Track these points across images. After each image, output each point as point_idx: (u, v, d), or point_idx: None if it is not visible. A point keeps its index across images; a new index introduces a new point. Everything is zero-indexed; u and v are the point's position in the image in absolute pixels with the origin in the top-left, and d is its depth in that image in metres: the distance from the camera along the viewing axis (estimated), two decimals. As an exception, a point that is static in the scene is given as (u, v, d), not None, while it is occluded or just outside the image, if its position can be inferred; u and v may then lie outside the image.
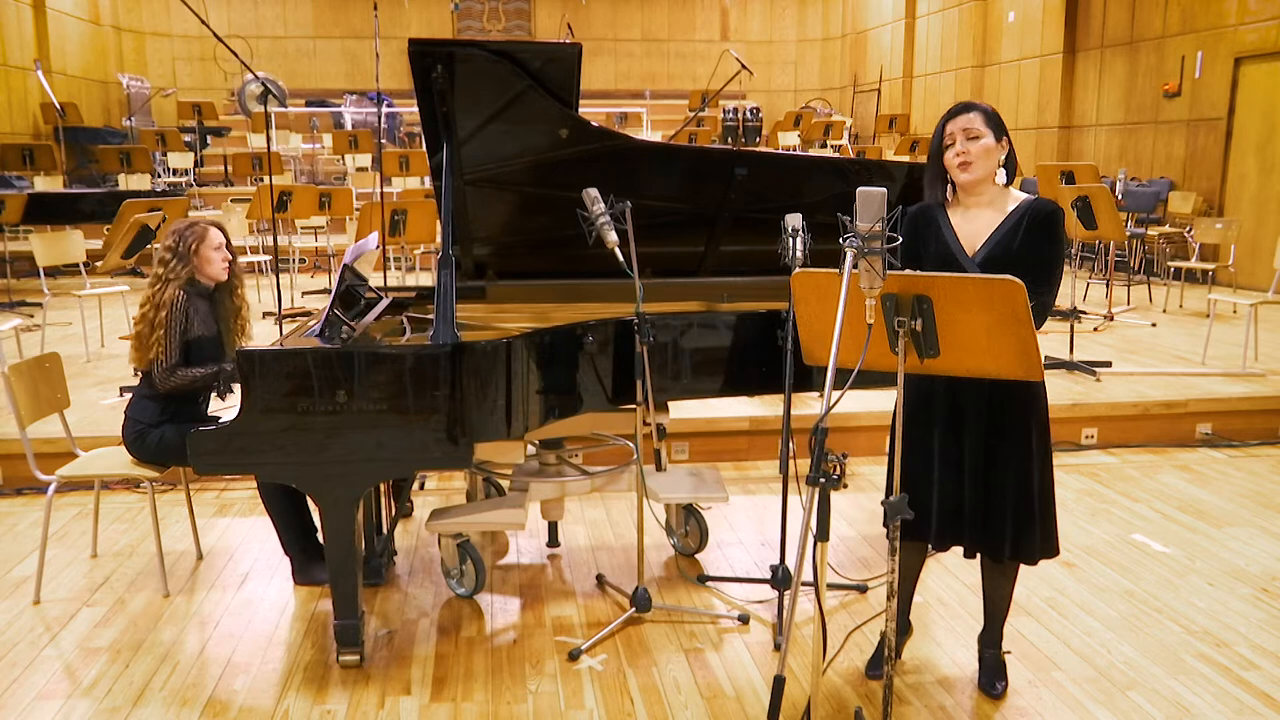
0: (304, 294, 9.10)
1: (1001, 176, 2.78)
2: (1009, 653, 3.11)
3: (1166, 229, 10.05)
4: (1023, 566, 2.94)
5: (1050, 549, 2.85)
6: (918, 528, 2.82)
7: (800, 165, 4.76)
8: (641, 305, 3.19)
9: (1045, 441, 2.82)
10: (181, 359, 3.53)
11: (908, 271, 2.36)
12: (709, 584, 3.75)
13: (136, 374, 3.69)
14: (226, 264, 3.69)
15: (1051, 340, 6.76)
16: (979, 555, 2.88)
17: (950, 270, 2.67)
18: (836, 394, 2.17)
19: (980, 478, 2.77)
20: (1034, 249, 2.71)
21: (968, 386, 2.71)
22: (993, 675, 3.01)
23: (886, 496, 2.86)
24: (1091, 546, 4.08)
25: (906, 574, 3.02)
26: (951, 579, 3.74)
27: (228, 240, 3.72)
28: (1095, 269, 10.37)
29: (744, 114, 15.67)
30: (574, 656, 3.20)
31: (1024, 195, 2.81)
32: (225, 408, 3.59)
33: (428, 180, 9.97)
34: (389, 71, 14.50)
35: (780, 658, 2.44)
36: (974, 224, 2.78)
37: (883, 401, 3.84)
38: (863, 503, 4.56)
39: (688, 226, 4.07)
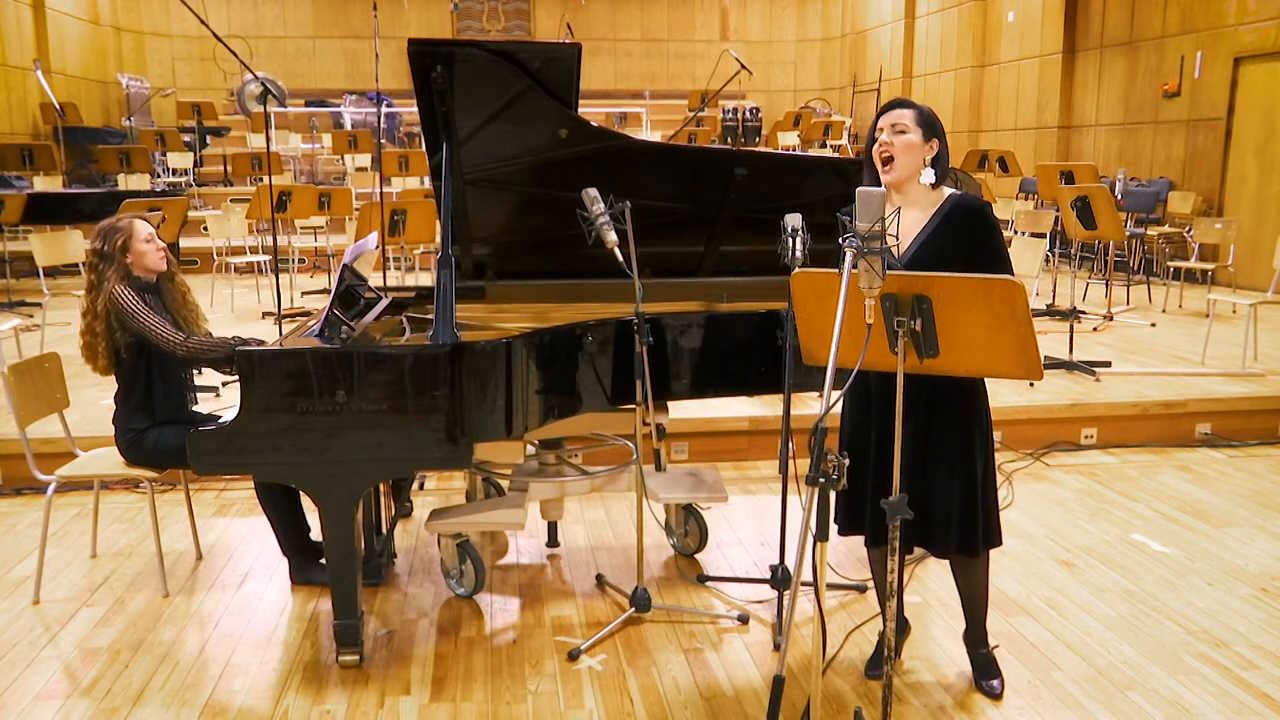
0: (303, 294, 9.10)
1: (929, 177, 2.78)
2: (997, 646, 3.11)
3: (1166, 229, 10.05)
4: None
5: (993, 540, 2.88)
6: (857, 524, 2.87)
7: (800, 165, 4.76)
8: (641, 305, 3.19)
9: (987, 438, 2.84)
10: (176, 327, 3.49)
11: (906, 271, 2.37)
12: (709, 584, 3.75)
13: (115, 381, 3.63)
14: (161, 253, 3.61)
15: (1051, 340, 6.76)
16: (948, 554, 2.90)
17: None
18: (836, 394, 2.17)
19: (921, 476, 2.78)
20: (977, 247, 2.72)
21: (906, 385, 2.71)
22: (987, 674, 3.01)
23: (850, 493, 2.89)
24: (1091, 546, 4.08)
25: (883, 572, 3.04)
26: (952, 579, 3.73)
27: (156, 230, 3.64)
28: (1095, 269, 10.37)
29: (743, 114, 15.68)
30: (574, 656, 3.20)
31: (950, 191, 2.82)
32: (224, 407, 3.58)
33: (427, 180, 9.97)
34: (389, 71, 14.49)
35: (780, 658, 2.44)
36: (901, 223, 2.78)
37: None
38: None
39: (687, 226, 4.06)
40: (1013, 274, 2.75)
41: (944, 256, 2.68)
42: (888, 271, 2.28)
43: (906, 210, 2.80)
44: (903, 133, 2.75)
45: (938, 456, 2.78)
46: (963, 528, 2.80)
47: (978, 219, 2.76)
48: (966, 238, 2.74)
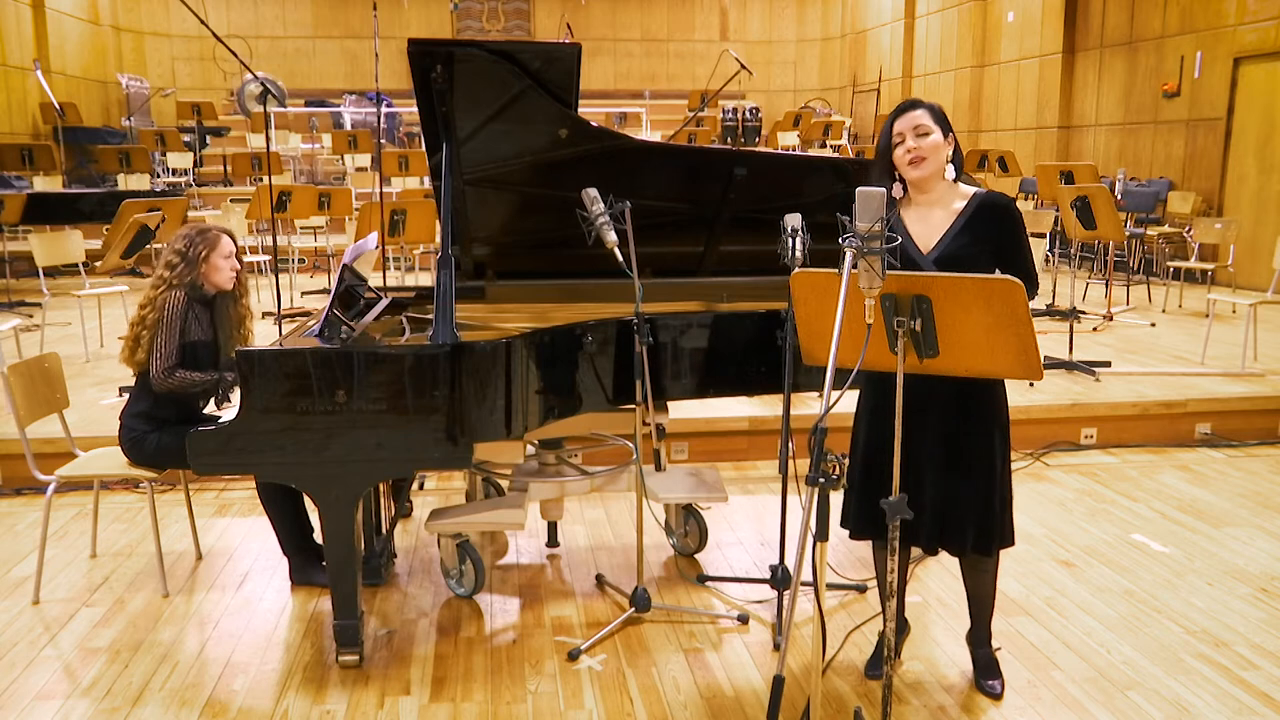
0: (303, 294, 9.10)
1: (950, 172, 2.81)
2: (999, 649, 3.11)
3: (1166, 229, 10.05)
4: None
5: (1007, 540, 2.87)
6: (875, 528, 2.85)
7: (799, 165, 4.76)
8: (641, 305, 3.19)
9: (1006, 438, 2.84)
10: (178, 361, 3.52)
11: (906, 272, 2.37)
12: (708, 584, 3.75)
13: (134, 377, 3.66)
14: (234, 273, 3.65)
15: (1051, 340, 6.76)
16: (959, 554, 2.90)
17: (905, 269, 2.68)
18: (836, 394, 2.17)
19: (942, 476, 2.78)
20: (1002, 244, 2.74)
21: (927, 387, 2.71)
22: (988, 674, 3.01)
23: (849, 493, 2.88)
24: (1091, 546, 4.08)
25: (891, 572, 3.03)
26: (951, 579, 3.74)
27: (238, 249, 3.69)
28: (1094, 269, 10.37)
29: (743, 114, 15.68)
30: (573, 656, 3.20)
31: (971, 189, 2.83)
32: (230, 408, 3.58)
33: (427, 180, 9.98)
34: (389, 71, 14.49)
35: (780, 658, 2.44)
36: (926, 222, 2.80)
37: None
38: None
39: (687, 226, 4.07)
40: (1036, 271, 2.79)
41: (972, 253, 2.70)
42: (887, 271, 2.28)
43: (931, 209, 2.81)
44: (926, 134, 2.76)
45: (960, 456, 2.77)
46: (980, 527, 2.80)
47: (1005, 215, 2.78)
48: (995, 234, 2.75)
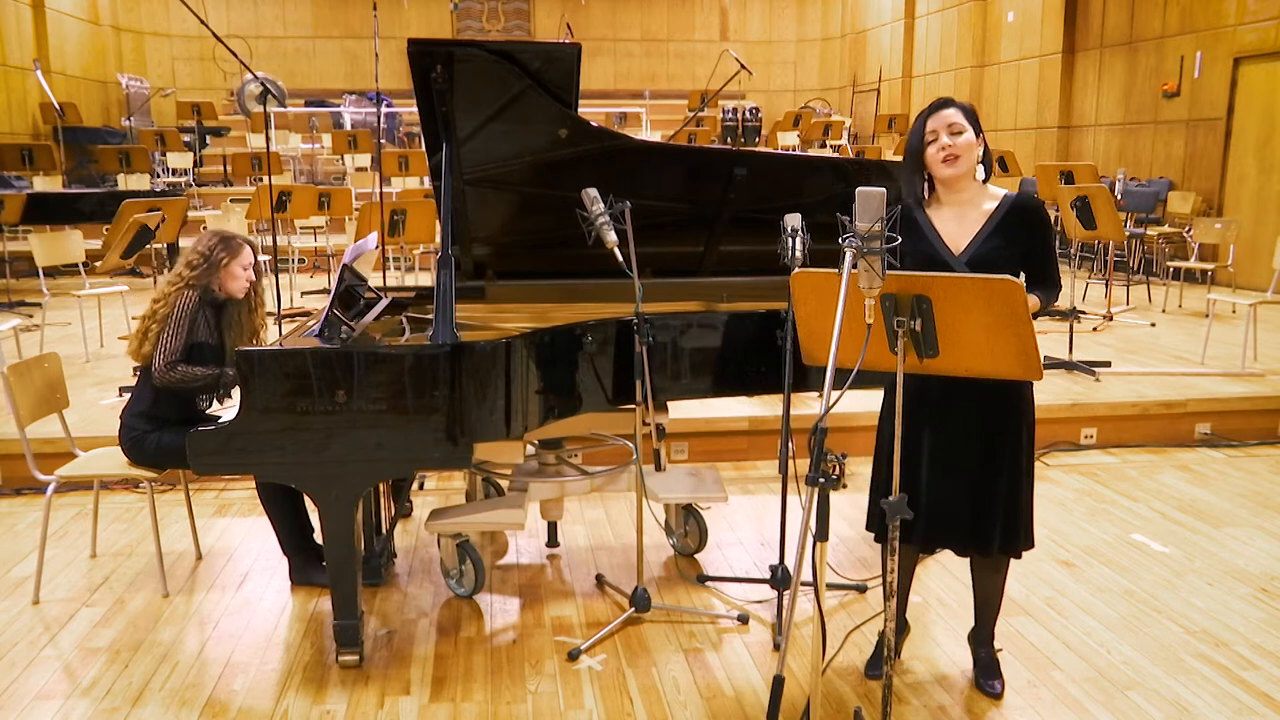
0: (303, 294, 9.10)
1: (980, 173, 2.83)
2: (1000, 650, 3.11)
3: (1166, 229, 10.05)
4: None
5: (1029, 541, 2.87)
6: (905, 532, 2.82)
7: (799, 165, 4.76)
8: (641, 305, 3.19)
9: (1033, 437, 2.84)
10: (181, 358, 3.52)
11: (906, 272, 2.36)
12: (708, 584, 3.75)
13: (135, 371, 3.66)
14: (248, 284, 3.69)
15: (1051, 340, 6.76)
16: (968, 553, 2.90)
17: (935, 270, 2.68)
18: (836, 394, 2.17)
19: (972, 477, 2.78)
20: (1031, 247, 2.76)
21: (959, 387, 2.71)
22: (988, 674, 3.02)
23: (880, 496, 2.87)
24: (1091, 546, 4.08)
25: (901, 574, 3.02)
26: (951, 579, 3.75)
27: (258, 261, 3.72)
28: (1094, 269, 10.37)
29: (743, 114, 15.68)
30: (573, 656, 3.20)
31: (1001, 191, 2.84)
32: (230, 406, 3.58)
33: (427, 180, 9.98)
34: (388, 71, 14.48)
35: (779, 658, 2.44)
36: (957, 223, 2.80)
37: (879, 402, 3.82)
38: (862, 503, 4.52)
39: (687, 226, 4.07)
40: (1060, 276, 2.82)
41: (1004, 255, 2.71)
42: (888, 271, 2.28)
43: (960, 209, 2.81)
44: (960, 133, 2.77)
45: (992, 455, 2.77)
46: (1007, 528, 2.80)
47: (1036, 219, 2.80)
48: (1026, 237, 2.76)
